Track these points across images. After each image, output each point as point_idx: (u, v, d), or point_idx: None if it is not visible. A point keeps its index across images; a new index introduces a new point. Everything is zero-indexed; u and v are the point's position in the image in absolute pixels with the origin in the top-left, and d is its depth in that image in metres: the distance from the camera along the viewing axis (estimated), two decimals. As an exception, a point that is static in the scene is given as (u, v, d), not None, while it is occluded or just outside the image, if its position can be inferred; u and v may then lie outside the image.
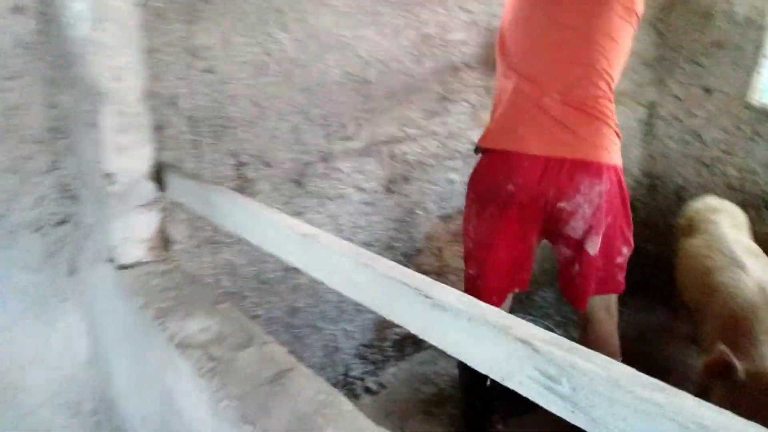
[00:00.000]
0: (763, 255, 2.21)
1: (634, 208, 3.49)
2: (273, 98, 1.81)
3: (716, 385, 1.84)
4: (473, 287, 1.84)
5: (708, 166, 3.16)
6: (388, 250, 2.35)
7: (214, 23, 1.62)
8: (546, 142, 1.65)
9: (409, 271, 0.78)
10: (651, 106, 3.31)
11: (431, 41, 2.16)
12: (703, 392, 1.86)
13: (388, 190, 2.25)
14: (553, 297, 3.20)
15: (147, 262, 1.31)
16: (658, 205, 3.45)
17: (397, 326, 0.90)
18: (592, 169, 1.64)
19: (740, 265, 2.06)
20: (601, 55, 1.66)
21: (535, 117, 1.67)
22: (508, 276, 1.82)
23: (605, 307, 1.87)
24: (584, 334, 1.89)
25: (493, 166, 1.76)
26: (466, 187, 1.88)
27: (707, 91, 3.07)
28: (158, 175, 1.28)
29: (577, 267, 1.74)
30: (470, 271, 1.86)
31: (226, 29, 1.65)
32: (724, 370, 1.78)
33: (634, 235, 3.53)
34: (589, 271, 1.73)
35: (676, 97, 3.21)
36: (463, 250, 1.93)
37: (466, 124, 2.41)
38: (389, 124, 2.15)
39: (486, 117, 2.45)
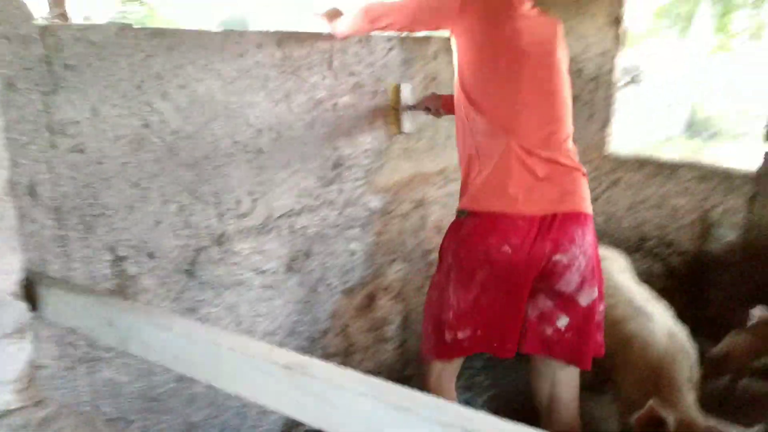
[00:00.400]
0: (655, 298, 2.30)
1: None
2: (155, 177, 1.53)
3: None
4: (457, 349, 1.74)
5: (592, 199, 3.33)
6: (291, 336, 2.09)
7: (80, 93, 1.33)
8: (536, 200, 1.63)
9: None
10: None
11: (322, 105, 2.01)
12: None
13: (290, 269, 2.01)
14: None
15: (16, 410, 0.95)
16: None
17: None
18: (581, 219, 1.67)
19: (647, 315, 2.10)
20: (565, 112, 1.74)
21: (522, 175, 1.64)
22: (498, 340, 1.73)
23: (574, 383, 1.82)
24: (548, 417, 1.81)
25: (484, 229, 1.66)
26: (443, 254, 1.77)
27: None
28: (29, 290, 0.95)
29: (565, 320, 1.71)
30: (457, 335, 1.72)
31: (95, 100, 1.36)
32: (655, 424, 1.77)
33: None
34: (586, 325, 1.72)
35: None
36: (432, 320, 1.80)
37: (361, 189, 2.27)
38: (286, 196, 1.94)
39: (380, 180, 2.34)
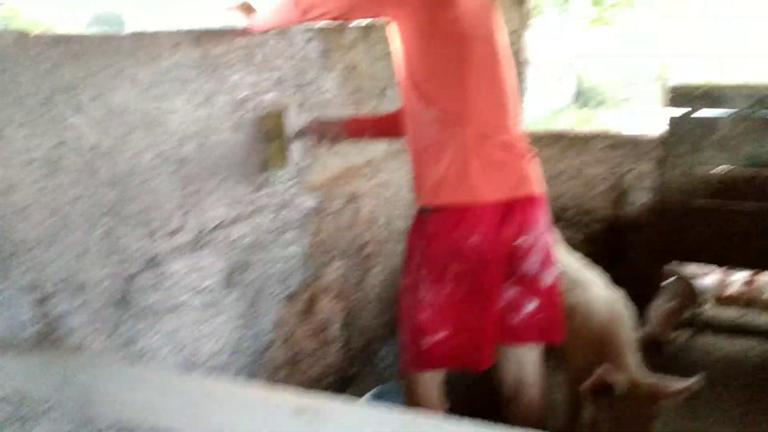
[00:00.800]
0: (588, 265, 2.38)
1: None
2: (76, 201, 1.36)
3: (597, 406, 1.88)
4: (436, 358, 1.71)
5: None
6: (236, 353, 1.96)
7: (-23, 113, 1.14)
8: (497, 187, 1.63)
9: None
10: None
11: (246, 105, 1.88)
12: (587, 416, 1.89)
13: (229, 284, 1.88)
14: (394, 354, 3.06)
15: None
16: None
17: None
18: (539, 201, 1.71)
19: (583, 284, 2.16)
20: (513, 94, 1.74)
21: (480, 163, 1.61)
22: (475, 347, 1.72)
23: (539, 362, 1.84)
24: (515, 401, 1.81)
25: (450, 223, 1.62)
26: (410, 254, 1.73)
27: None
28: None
29: (532, 303, 1.73)
30: (435, 338, 1.67)
31: (-3, 119, 1.17)
32: (606, 388, 1.83)
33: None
34: (551, 303, 1.77)
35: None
36: (408, 329, 1.75)
37: (294, 190, 2.17)
38: (218, 206, 1.81)
39: (312, 179, 2.25)
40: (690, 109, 2.83)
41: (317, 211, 2.33)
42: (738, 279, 3.34)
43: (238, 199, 1.89)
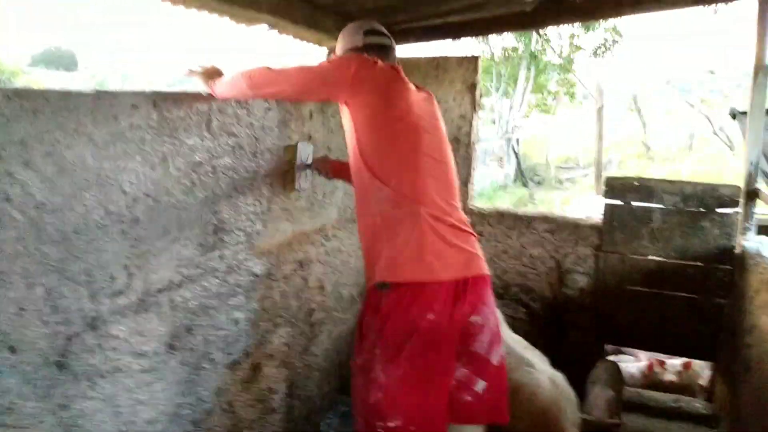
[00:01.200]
0: (530, 347, 2.43)
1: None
2: (17, 258, 1.32)
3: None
4: None
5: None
6: (174, 422, 1.88)
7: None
8: (450, 266, 1.67)
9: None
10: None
11: (201, 168, 1.90)
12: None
13: (171, 348, 1.82)
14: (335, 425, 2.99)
15: None
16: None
17: None
18: (486, 280, 1.77)
19: (529, 364, 2.21)
20: (456, 178, 1.89)
21: (435, 242, 1.67)
22: (440, 418, 1.70)
23: None
24: None
25: (407, 300, 1.64)
26: (364, 332, 1.73)
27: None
28: None
29: (483, 383, 1.74)
30: (391, 425, 1.64)
31: (-57, 171, 1.15)
32: None
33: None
34: (499, 383, 1.79)
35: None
36: (362, 411, 1.73)
37: (244, 254, 2.16)
38: (165, 268, 1.78)
39: (262, 243, 2.25)
40: (623, 200, 3.01)
41: (266, 277, 2.31)
42: (675, 364, 3.45)
43: (186, 261, 1.86)
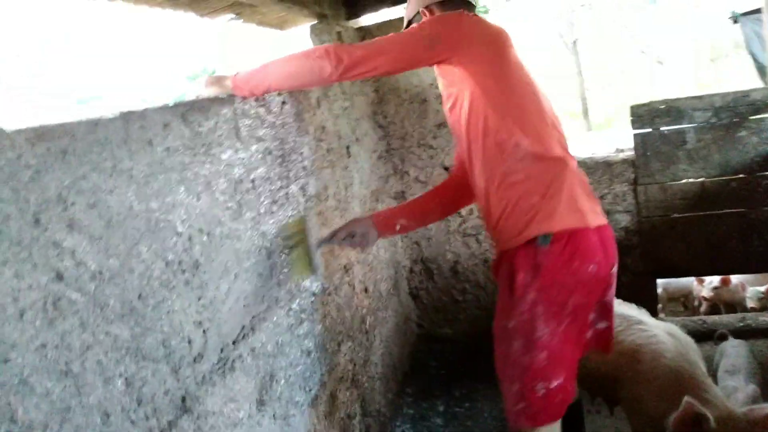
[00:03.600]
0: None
1: (417, 296, 3.40)
2: (87, 351, 0.98)
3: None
4: (554, 405, 1.59)
5: (473, 235, 3.22)
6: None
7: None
8: (595, 212, 1.60)
9: None
10: (401, 196, 3.24)
11: (242, 186, 1.57)
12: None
13: (261, 405, 1.52)
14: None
15: None
16: (439, 286, 3.38)
17: None
18: (610, 228, 1.67)
19: (639, 322, 2.00)
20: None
21: (580, 188, 1.60)
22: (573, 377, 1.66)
23: None
24: None
25: (568, 251, 1.53)
26: (520, 293, 1.56)
27: (446, 168, 3.14)
28: None
29: (605, 323, 1.71)
30: (554, 383, 1.55)
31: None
32: (694, 422, 1.65)
33: (427, 321, 3.40)
34: (611, 321, 1.74)
35: (419, 180, 3.22)
36: (518, 377, 1.59)
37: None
38: (235, 312, 1.46)
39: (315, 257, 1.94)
40: (652, 127, 2.84)
41: (322, 293, 2.01)
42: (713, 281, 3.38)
43: (251, 299, 1.55)
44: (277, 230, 1.71)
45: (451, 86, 1.64)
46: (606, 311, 1.70)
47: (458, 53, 1.57)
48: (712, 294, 3.63)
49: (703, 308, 3.68)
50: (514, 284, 1.58)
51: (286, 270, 1.74)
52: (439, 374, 3.04)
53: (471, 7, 1.76)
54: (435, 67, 1.67)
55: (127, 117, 1.15)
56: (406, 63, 1.62)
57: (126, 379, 1.07)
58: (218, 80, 1.62)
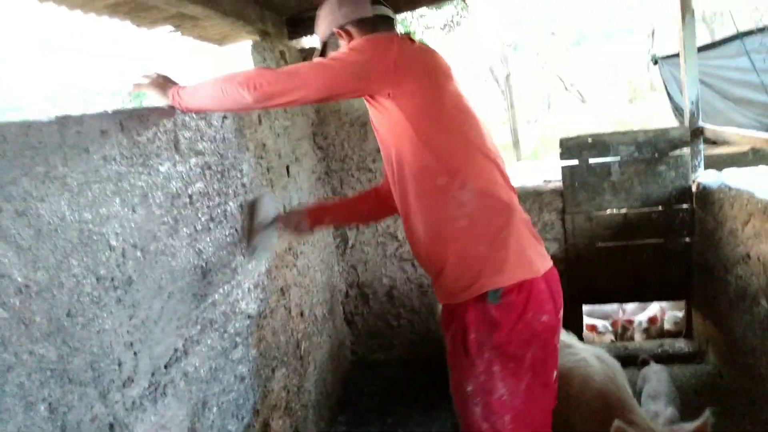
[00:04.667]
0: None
1: (353, 322, 3.36)
2: (8, 372, 0.89)
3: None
4: None
5: (409, 260, 3.23)
6: None
7: None
8: (542, 257, 1.51)
9: None
10: (337, 218, 3.21)
11: (179, 201, 1.50)
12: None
13: (193, 432, 1.43)
14: None
15: None
16: (374, 311, 3.35)
17: None
18: (554, 268, 1.58)
19: (569, 345, 2.05)
20: None
21: (528, 236, 1.50)
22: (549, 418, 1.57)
23: None
24: None
25: (520, 304, 1.43)
26: (474, 352, 1.45)
27: (383, 189, 3.15)
28: None
29: (555, 372, 1.60)
30: None
31: None
32: None
33: (362, 346, 3.36)
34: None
35: (356, 202, 3.21)
36: None
37: (236, 295, 1.78)
38: (167, 334, 1.38)
39: (245, 279, 1.89)
40: (580, 159, 2.97)
41: (258, 316, 1.95)
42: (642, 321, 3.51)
43: (185, 320, 1.47)
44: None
45: (382, 121, 1.51)
46: (555, 356, 1.60)
47: (390, 86, 1.42)
48: (643, 336, 3.66)
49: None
50: (467, 343, 1.46)
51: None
52: (373, 401, 2.99)
53: (392, 23, 1.63)
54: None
55: (63, 121, 1.08)
56: (330, 94, 1.43)
57: (50, 404, 0.98)
58: (163, 83, 1.51)
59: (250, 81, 1.37)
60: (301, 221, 1.83)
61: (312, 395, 2.52)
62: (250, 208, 1.88)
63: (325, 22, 1.64)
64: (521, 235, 1.47)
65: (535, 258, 1.47)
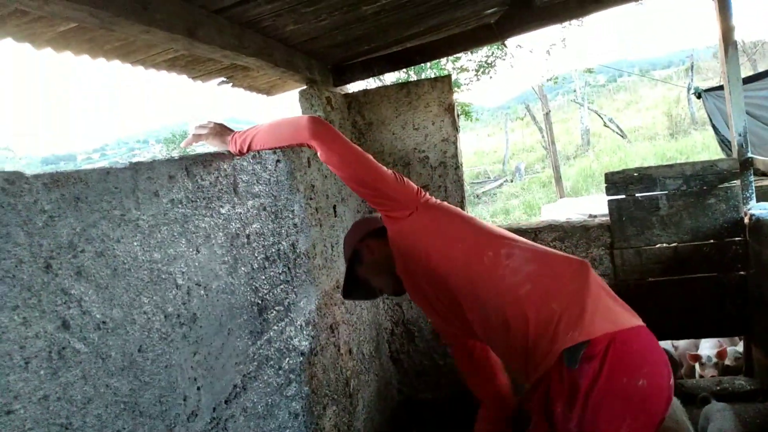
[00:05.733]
0: None
1: (398, 360, 3.35)
2: (88, 403, 0.94)
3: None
4: None
5: (454, 294, 3.22)
6: None
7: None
8: (629, 312, 1.41)
9: None
10: (382, 256, 3.25)
11: (238, 241, 1.57)
12: None
13: (251, 468, 1.45)
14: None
15: None
16: (420, 350, 3.34)
17: None
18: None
19: None
20: None
21: (603, 294, 1.42)
22: None
23: None
24: None
25: (610, 367, 1.26)
26: (565, 426, 1.30)
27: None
28: None
29: None
30: None
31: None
32: None
33: (408, 386, 3.33)
34: None
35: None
36: None
37: (289, 332, 1.82)
38: (227, 370, 1.42)
39: (298, 316, 1.92)
40: (626, 193, 2.94)
41: (310, 353, 1.98)
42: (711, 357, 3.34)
43: (242, 357, 1.51)
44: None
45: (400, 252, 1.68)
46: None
47: (408, 212, 1.66)
48: (714, 371, 3.46)
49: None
50: (554, 418, 1.33)
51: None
52: (421, 441, 2.96)
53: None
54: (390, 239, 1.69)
55: (136, 167, 1.16)
56: (366, 182, 1.76)
57: (122, 436, 1.02)
58: (221, 131, 1.63)
59: (323, 135, 1.59)
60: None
61: (361, 435, 2.51)
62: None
63: (347, 245, 1.86)
64: (599, 291, 1.39)
65: (617, 310, 1.36)
